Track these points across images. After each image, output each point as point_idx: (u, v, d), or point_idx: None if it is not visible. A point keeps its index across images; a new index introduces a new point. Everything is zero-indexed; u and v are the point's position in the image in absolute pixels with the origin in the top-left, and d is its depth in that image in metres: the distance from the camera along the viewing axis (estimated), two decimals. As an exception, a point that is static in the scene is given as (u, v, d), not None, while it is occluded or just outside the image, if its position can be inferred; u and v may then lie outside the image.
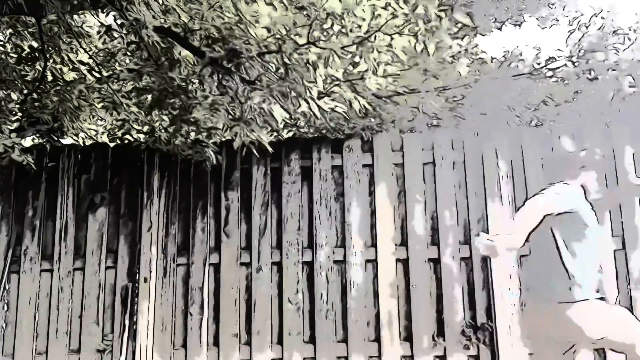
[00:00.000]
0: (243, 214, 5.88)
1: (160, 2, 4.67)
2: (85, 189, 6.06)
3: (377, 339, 5.54)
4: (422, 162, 5.81)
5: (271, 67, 4.62)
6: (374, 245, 5.70)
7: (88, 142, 7.43)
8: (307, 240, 5.79)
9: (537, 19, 7.45)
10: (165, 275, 5.79)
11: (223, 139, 5.99)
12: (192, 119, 5.48)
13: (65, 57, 6.65)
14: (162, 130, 5.93)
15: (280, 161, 5.94)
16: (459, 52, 4.97)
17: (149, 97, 5.77)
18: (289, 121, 6.55)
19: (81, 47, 6.55)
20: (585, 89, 6.18)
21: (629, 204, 5.48)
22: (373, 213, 5.77)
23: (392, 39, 4.27)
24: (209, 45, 4.65)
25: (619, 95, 5.91)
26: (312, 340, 5.59)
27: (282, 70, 4.49)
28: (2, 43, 6.62)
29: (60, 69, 6.73)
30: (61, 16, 5.59)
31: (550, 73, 6.15)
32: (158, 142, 5.89)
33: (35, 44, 6.56)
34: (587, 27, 6.19)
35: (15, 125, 6.35)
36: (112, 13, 5.01)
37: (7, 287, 5.85)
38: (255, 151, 5.41)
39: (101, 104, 6.51)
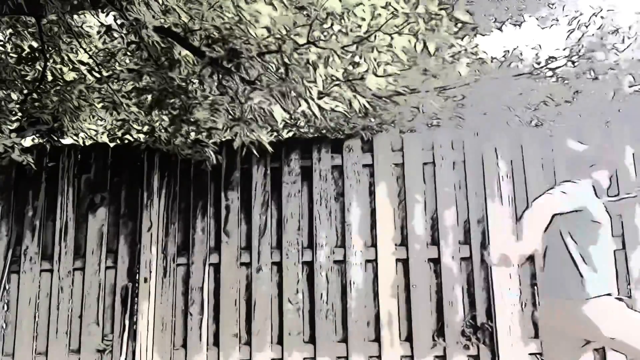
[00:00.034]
0: (243, 214, 5.88)
1: (160, 2, 4.67)
2: (85, 189, 6.06)
3: (377, 339, 5.53)
4: (422, 162, 5.81)
5: (271, 67, 4.62)
6: (374, 245, 5.69)
7: (88, 142, 7.43)
8: (307, 240, 5.79)
9: (537, 19, 7.45)
10: (165, 275, 5.79)
11: (223, 139, 5.98)
12: (192, 119, 5.48)
13: (65, 57, 6.64)
14: (162, 130, 5.93)
15: (280, 161, 5.94)
16: (459, 52, 4.96)
17: (149, 97, 5.77)
18: (289, 121, 6.55)
19: (81, 47, 6.54)
20: (585, 89, 6.17)
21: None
22: (373, 213, 5.77)
23: (392, 38, 4.27)
24: (209, 45, 4.64)
25: (619, 95, 5.91)
26: (312, 340, 5.59)
27: (282, 70, 4.48)
28: (2, 43, 6.62)
29: (60, 69, 6.72)
30: (61, 16, 5.59)
31: (550, 73, 6.16)
32: (158, 142, 5.89)
33: (35, 44, 6.55)
34: (587, 27, 6.20)
35: (15, 125, 6.35)
36: (112, 13, 5.01)
37: (7, 287, 5.85)
38: (255, 151, 5.41)
39: (101, 104, 6.50)
